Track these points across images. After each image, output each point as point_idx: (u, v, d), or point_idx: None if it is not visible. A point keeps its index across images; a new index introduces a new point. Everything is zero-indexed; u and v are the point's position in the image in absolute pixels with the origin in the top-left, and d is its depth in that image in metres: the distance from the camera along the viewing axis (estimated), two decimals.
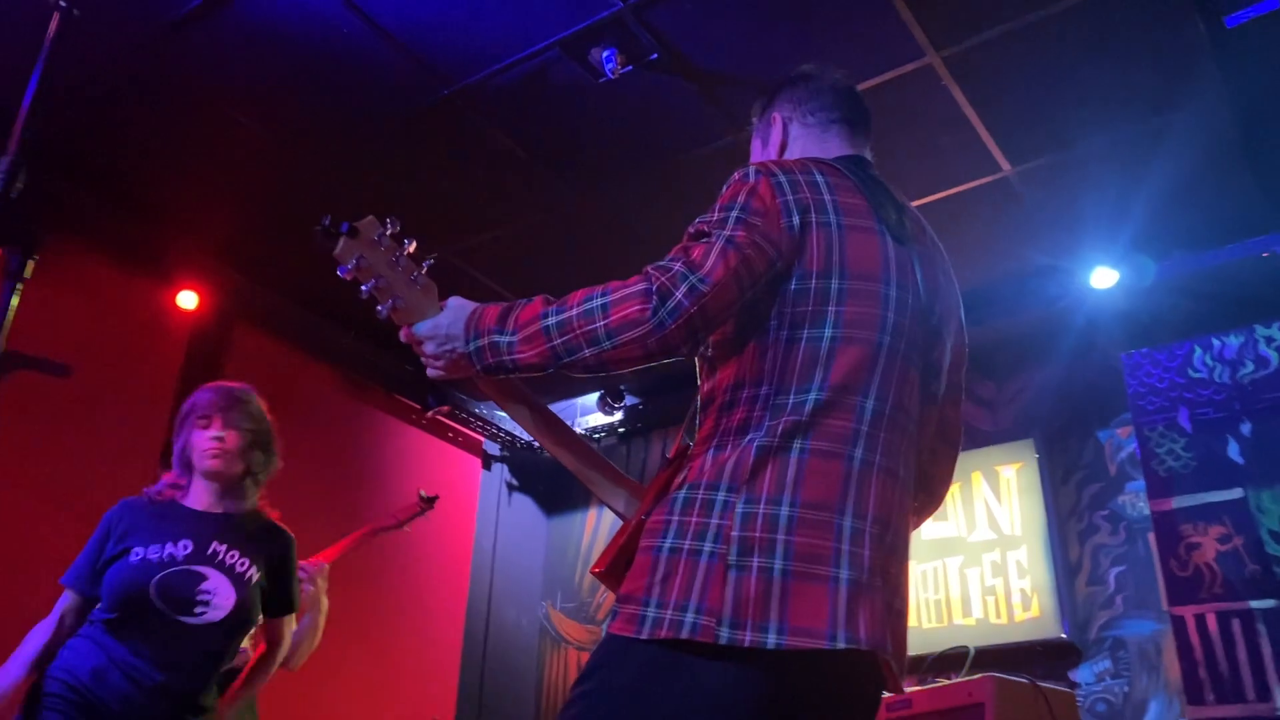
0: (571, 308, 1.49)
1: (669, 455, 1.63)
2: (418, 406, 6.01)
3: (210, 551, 2.57)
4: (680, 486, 1.50)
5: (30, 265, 1.49)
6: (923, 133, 4.13)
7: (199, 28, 3.72)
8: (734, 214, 1.54)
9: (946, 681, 3.01)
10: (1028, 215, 4.59)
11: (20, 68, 2.59)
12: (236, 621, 2.55)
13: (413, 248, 1.67)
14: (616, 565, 1.53)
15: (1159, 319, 4.88)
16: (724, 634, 1.35)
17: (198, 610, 2.49)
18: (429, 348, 1.61)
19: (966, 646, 3.59)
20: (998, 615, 4.96)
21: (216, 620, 2.51)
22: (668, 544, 1.44)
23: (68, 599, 2.60)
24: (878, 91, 3.90)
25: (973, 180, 4.39)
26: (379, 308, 1.65)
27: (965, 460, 5.22)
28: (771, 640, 1.35)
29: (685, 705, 1.37)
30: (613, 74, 3.76)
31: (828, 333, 1.52)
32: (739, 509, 1.42)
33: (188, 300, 4.83)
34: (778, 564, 1.38)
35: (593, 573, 1.59)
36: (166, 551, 2.53)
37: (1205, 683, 4.14)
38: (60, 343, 4.15)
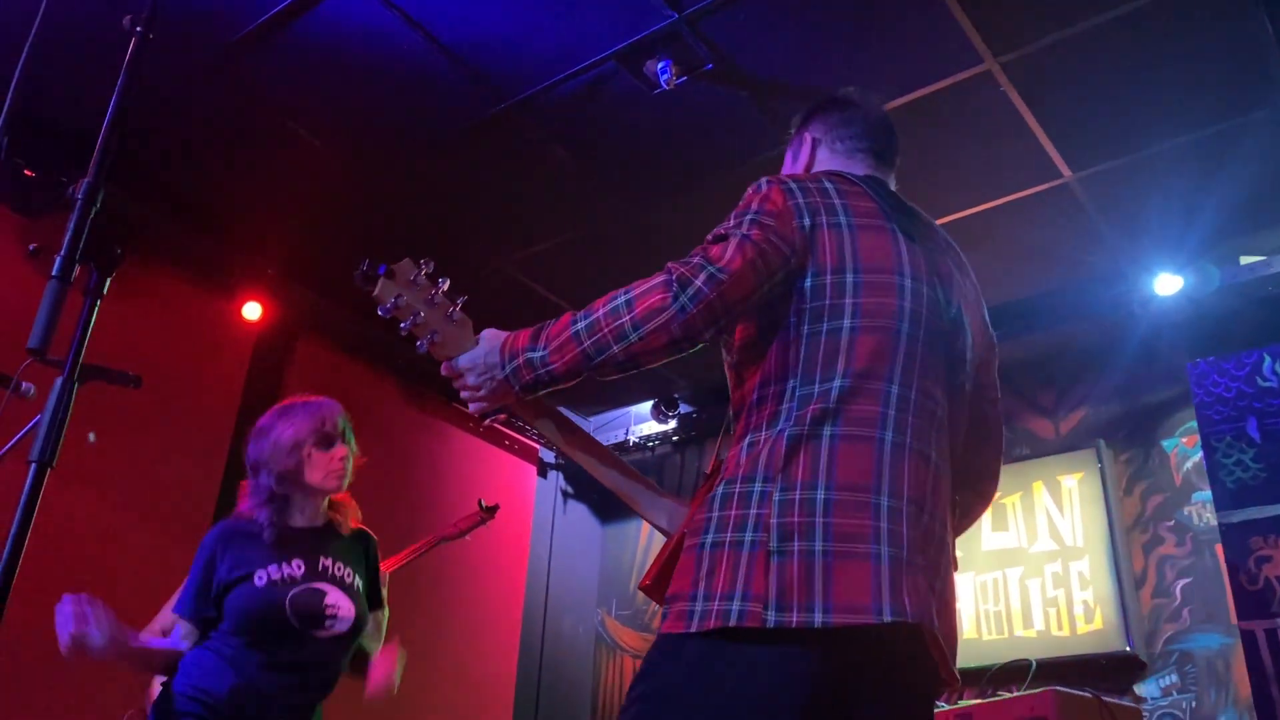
0: (597, 310, 1.55)
1: (706, 471, 1.65)
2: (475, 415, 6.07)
3: (321, 568, 2.62)
4: (718, 484, 1.53)
5: (108, 282, 1.53)
6: (982, 140, 4.09)
7: (261, 47, 3.80)
8: (749, 217, 1.60)
9: (1008, 695, 2.96)
10: (1090, 222, 4.52)
11: (87, 86, 2.69)
12: (357, 630, 2.62)
13: (447, 286, 1.74)
14: (663, 579, 1.55)
15: (1226, 327, 4.78)
16: (771, 617, 1.37)
17: (327, 624, 2.55)
18: (470, 379, 1.66)
19: (1028, 659, 3.54)
20: (1059, 627, 4.88)
21: (343, 632, 2.58)
22: (710, 539, 1.47)
23: (182, 628, 2.60)
24: (935, 99, 3.87)
25: (1033, 187, 4.34)
26: (418, 343, 1.71)
27: (1026, 470, 5.22)
28: (819, 619, 1.37)
29: (741, 693, 1.39)
30: (668, 85, 3.78)
31: (847, 323, 1.56)
32: (776, 497, 1.45)
33: (252, 311, 4.93)
34: (818, 546, 1.41)
35: (640, 588, 1.61)
36: (285, 572, 2.56)
37: (1277, 700, 4.03)
38: (131, 354, 4.27)
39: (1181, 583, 4.76)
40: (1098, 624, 4.77)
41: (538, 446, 6.57)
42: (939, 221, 4.58)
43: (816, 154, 1.91)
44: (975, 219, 4.53)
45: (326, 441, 2.65)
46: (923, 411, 1.56)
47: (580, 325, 1.55)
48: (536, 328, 1.60)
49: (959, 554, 5.20)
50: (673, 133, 4.12)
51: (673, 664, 1.43)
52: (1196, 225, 4.45)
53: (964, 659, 5.20)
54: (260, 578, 2.54)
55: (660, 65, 3.78)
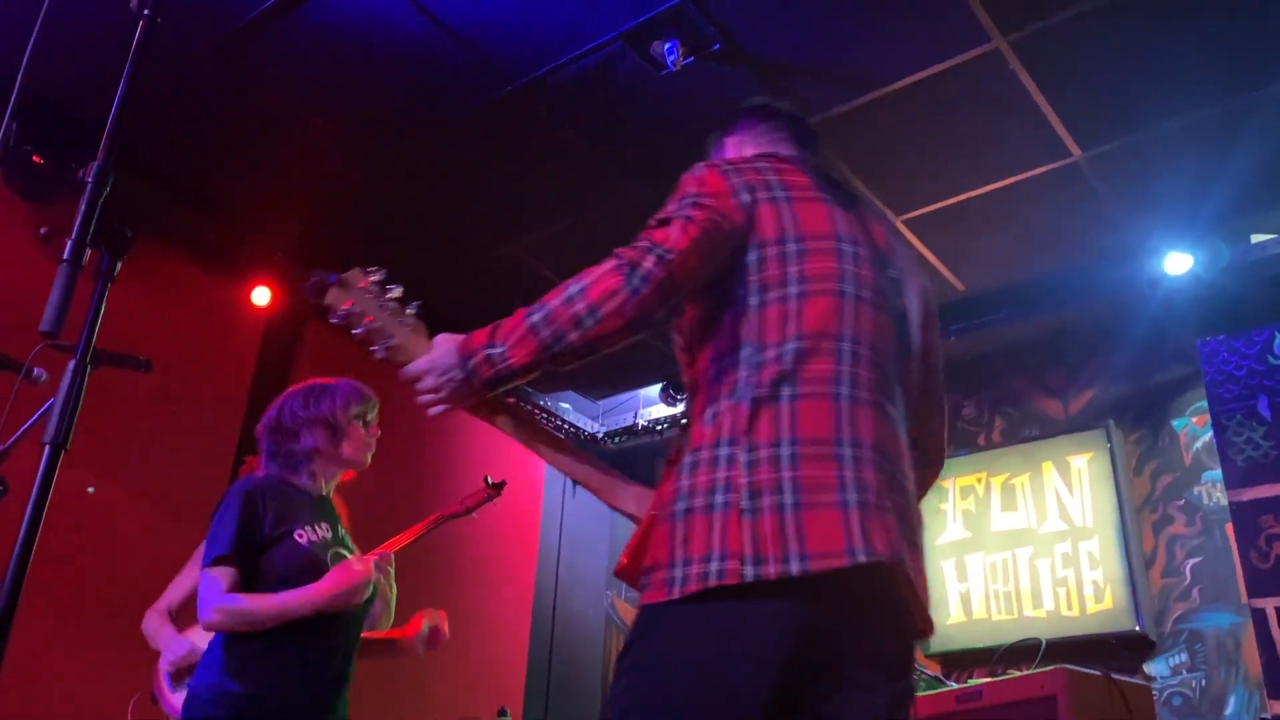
0: (551, 301, 1.58)
1: (669, 457, 1.66)
2: None
3: (339, 534, 2.68)
4: (684, 455, 1.56)
5: (118, 266, 1.53)
6: (990, 119, 4.07)
7: (268, 31, 3.80)
8: (689, 200, 1.64)
9: (1018, 674, 2.97)
10: (1099, 200, 4.50)
11: (95, 72, 2.69)
12: (372, 597, 2.65)
13: (399, 292, 1.76)
14: (638, 558, 1.57)
15: (1236, 305, 4.76)
16: (749, 572, 1.41)
17: None
18: (428, 381, 1.67)
19: (1038, 639, 3.55)
20: (1069, 607, 4.89)
21: (368, 598, 2.62)
22: (681, 507, 1.50)
23: (226, 580, 2.47)
24: (944, 77, 3.86)
25: (1042, 166, 4.32)
26: (374, 349, 1.74)
27: (1035, 450, 5.22)
28: (795, 567, 1.41)
29: (727, 650, 1.42)
30: (674, 66, 3.76)
31: (793, 290, 1.61)
32: (743, 458, 1.49)
33: (261, 296, 4.94)
34: (788, 499, 1.45)
35: (616, 573, 1.62)
36: (320, 534, 2.60)
37: None
38: (142, 339, 4.27)
39: (1191, 562, 4.76)
40: (1107, 604, 4.78)
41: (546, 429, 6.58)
42: (949, 201, 4.60)
43: (743, 150, 1.97)
44: (984, 199, 4.51)
45: (365, 418, 2.75)
46: (876, 367, 1.62)
47: (536, 317, 1.57)
48: (491, 326, 1.62)
49: (968, 534, 5.19)
50: (680, 114, 4.11)
51: (659, 631, 1.47)
52: (1207, 204, 4.42)
53: (974, 639, 5.22)
54: (301, 536, 2.55)
55: (667, 46, 3.76)
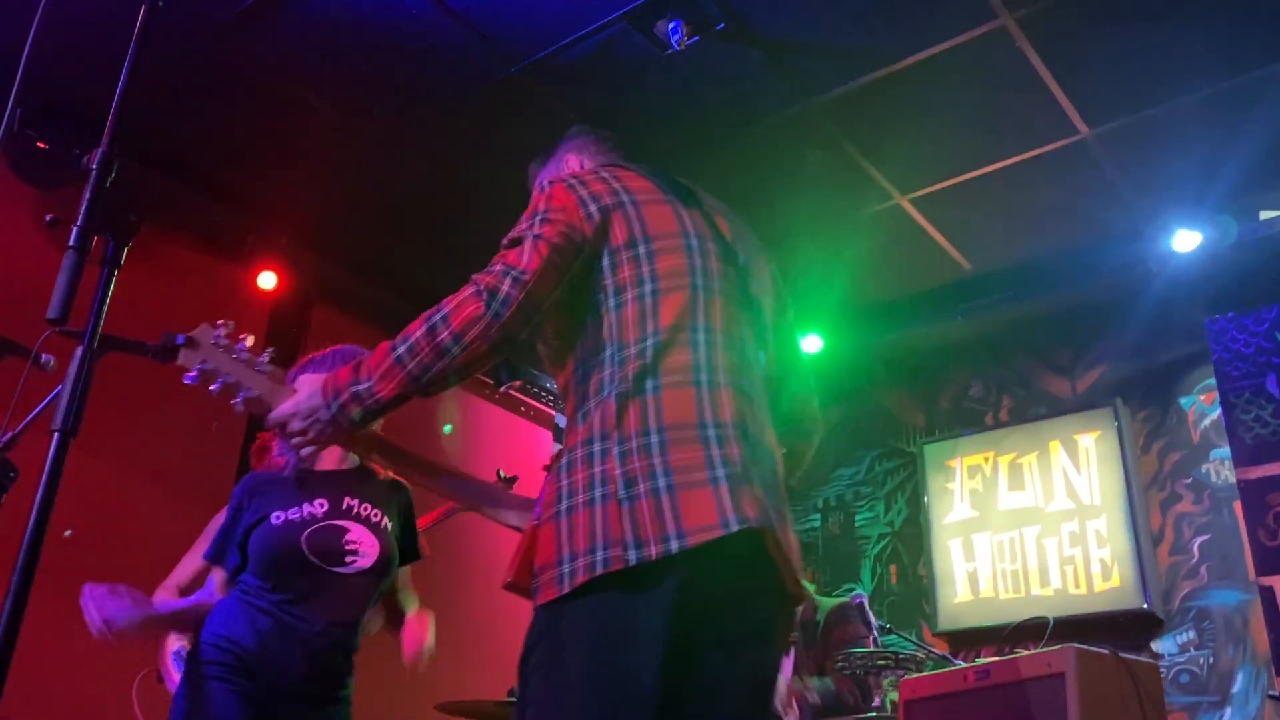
0: (414, 332, 1.63)
1: (547, 465, 1.74)
2: (490, 382, 6.09)
3: (345, 506, 2.68)
4: (561, 456, 1.64)
5: (125, 252, 1.54)
6: (997, 96, 4.05)
7: (272, 14, 3.78)
8: (538, 217, 1.71)
9: (1025, 652, 2.98)
10: (1107, 178, 4.48)
11: (98, 57, 2.69)
12: (382, 567, 2.66)
13: (250, 341, 1.80)
14: (525, 566, 1.62)
15: (1245, 283, 4.74)
16: (632, 556, 1.49)
17: (348, 560, 2.60)
18: (295, 425, 1.69)
19: (1046, 617, 3.55)
20: (1077, 585, 4.90)
21: (366, 567, 2.62)
22: (564, 506, 1.57)
23: (218, 577, 2.71)
24: (950, 55, 3.83)
25: (1049, 143, 4.29)
26: (234, 402, 1.76)
27: (1043, 429, 5.21)
28: (675, 545, 1.49)
29: (621, 632, 1.49)
30: (679, 45, 3.74)
31: (648, 288, 1.69)
32: (615, 451, 1.56)
33: (267, 281, 4.94)
34: (661, 483, 1.53)
35: (504, 586, 1.66)
36: (306, 511, 2.62)
37: None
38: (148, 324, 4.27)
39: (1199, 540, 4.76)
40: (1115, 582, 4.78)
41: (554, 412, 6.59)
42: (955, 180, 4.56)
43: (584, 162, 2.07)
44: (991, 177, 4.49)
45: None
46: (731, 350, 1.71)
47: (401, 350, 1.62)
48: (355, 363, 1.67)
49: (975, 513, 5.18)
50: (685, 94, 4.09)
51: (555, 627, 1.53)
52: (1216, 181, 4.40)
53: (981, 618, 5.22)
54: (277, 517, 2.60)
55: (671, 25, 3.74)
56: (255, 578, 2.60)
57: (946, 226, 4.88)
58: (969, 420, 5.61)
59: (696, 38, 3.76)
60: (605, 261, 1.71)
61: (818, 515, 5.90)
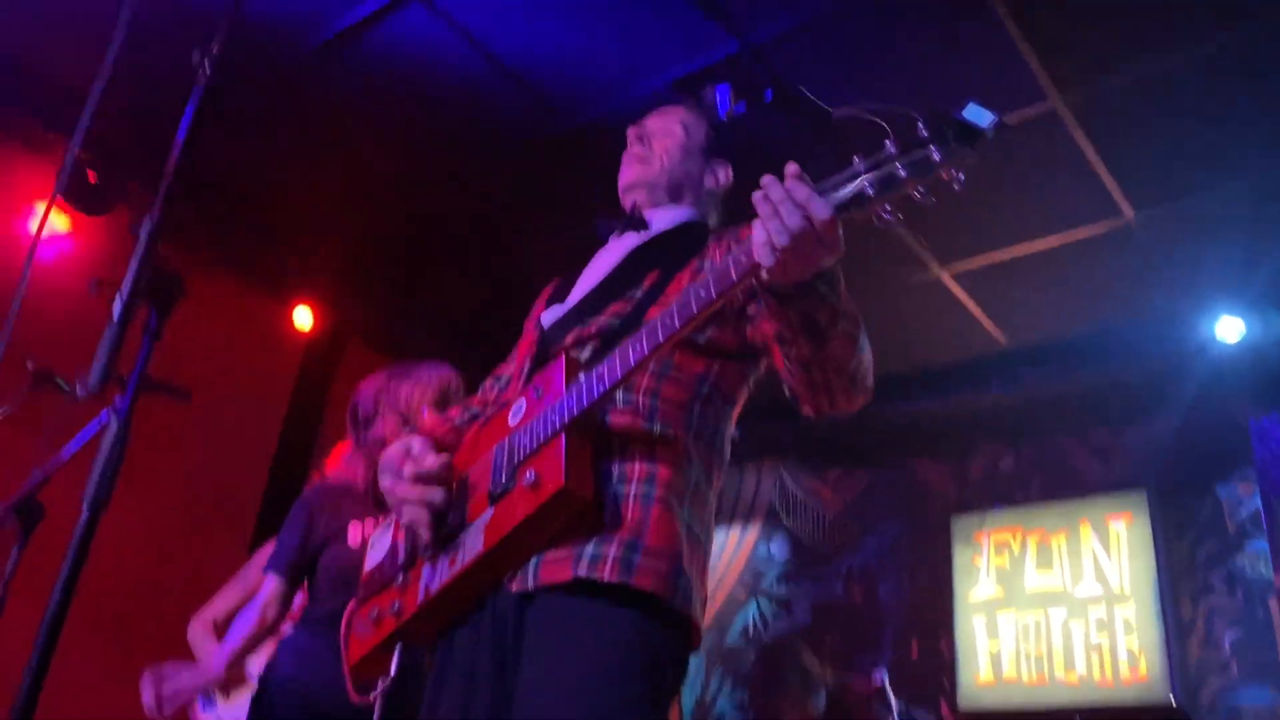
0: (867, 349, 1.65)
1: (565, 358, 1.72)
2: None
3: None
4: (667, 446, 1.66)
5: (165, 324, 1.54)
6: (1043, 176, 4.02)
7: (327, 61, 3.82)
8: None
9: None
10: (1150, 261, 4.43)
11: (156, 90, 2.72)
12: None
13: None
14: (585, 481, 1.58)
15: None
16: (698, 613, 1.59)
17: None
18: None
19: (1073, 710, 3.47)
20: (1102, 675, 4.78)
21: None
22: (685, 514, 1.61)
23: (271, 588, 2.49)
24: (998, 132, 3.80)
25: (1094, 225, 4.25)
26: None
27: (1073, 508, 5.12)
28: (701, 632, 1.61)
29: (671, 691, 1.53)
30: (725, 114, 3.74)
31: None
32: (709, 510, 1.69)
33: (303, 318, 4.97)
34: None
35: (558, 492, 1.53)
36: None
37: None
38: (182, 358, 4.29)
39: (1231, 635, 4.65)
40: (1142, 673, 4.67)
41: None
42: (998, 256, 4.52)
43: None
44: (1033, 255, 4.46)
45: (444, 404, 2.58)
46: None
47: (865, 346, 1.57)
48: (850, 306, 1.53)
49: (1001, 591, 5.05)
50: (730, 159, 4.09)
51: (649, 642, 1.49)
52: (1261, 270, 4.34)
53: (1004, 700, 5.09)
54: (354, 535, 2.49)
55: (719, 92, 3.74)
56: (329, 600, 2.45)
57: (986, 301, 4.84)
58: (999, 494, 5.52)
59: (744, 107, 3.76)
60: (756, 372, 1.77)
61: (840, 582, 5.82)
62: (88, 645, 3.96)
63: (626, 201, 2.01)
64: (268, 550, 3.50)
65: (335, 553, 2.49)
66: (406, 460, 1.67)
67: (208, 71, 1.61)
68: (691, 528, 1.56)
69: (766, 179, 1.44)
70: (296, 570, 2.51)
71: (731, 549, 6.23)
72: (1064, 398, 5.32)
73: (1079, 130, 3.79)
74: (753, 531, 6.25)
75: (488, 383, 1.99)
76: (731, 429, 1.74)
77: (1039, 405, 5.39)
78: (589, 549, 1.47)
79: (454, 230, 4.72)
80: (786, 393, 1.61)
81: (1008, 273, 4.57)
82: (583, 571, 1.44)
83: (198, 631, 3.38)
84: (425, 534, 1.62)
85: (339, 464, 2.95)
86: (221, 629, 3.44)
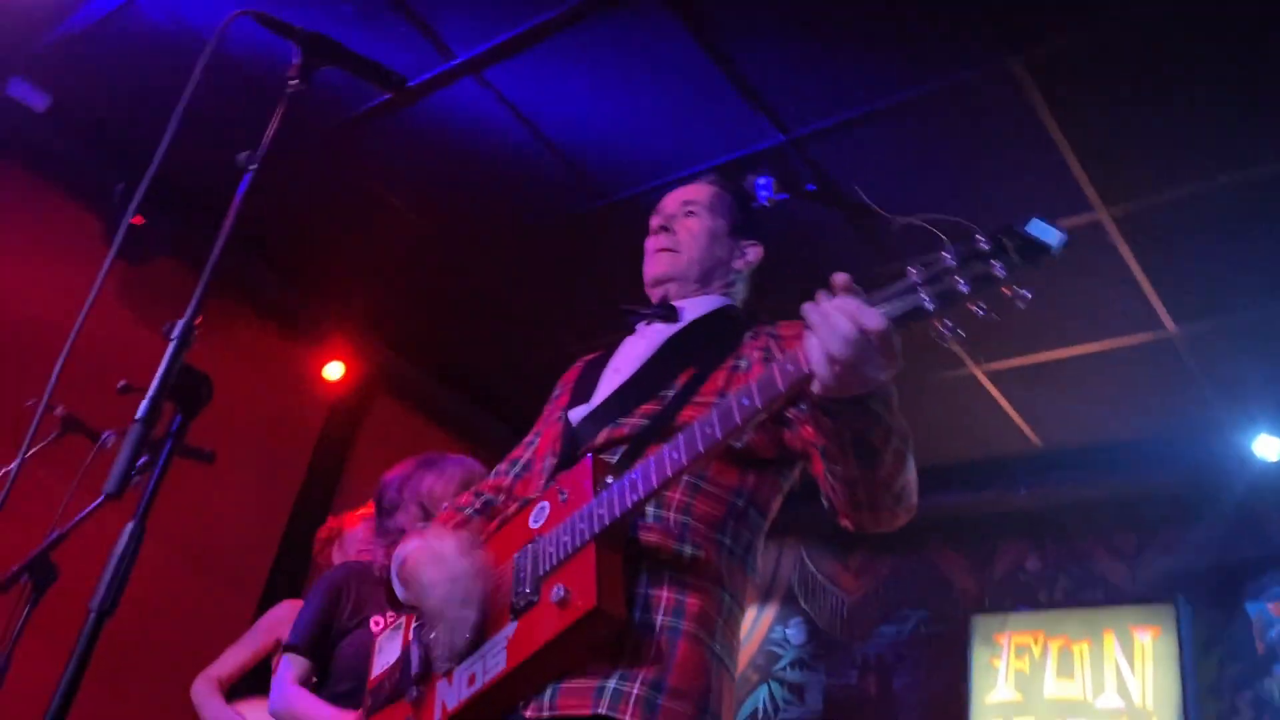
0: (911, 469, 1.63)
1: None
2: None
3: None
4: (706, 569, 1.64)
5: (188, 425, 1.53)
6: (1086, 284, 3.97)
7: (374, 125, 3.88)
8: None
9: None
10: (1189, 375, 4.36)
11: (204, 146, 2.75)
12: None
13: None
14: (617, 599, 1.51)
15: None
16: None
17: None
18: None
19: None
20: None
21: None
22: (717, 649, 1.56)
23: (297, 668, 2.47)
24: None
25: (1134, 335, 4.20)
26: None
27: (1098, 616, 5.00)
28: None
29: None
30: (766, 202, 3.74)
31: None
32: (736, 641, 1.65)
33: (334, 371, 4.98)
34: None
35: (590, 612, 1.47)
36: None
37: None
38: (214, 402, 4.31)
39: None
40: None
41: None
42: (1036, 358, 4.47)
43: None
44: (1070, 360, 4.40)
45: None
46: None
47: (910, 467, 1.50)
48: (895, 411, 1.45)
49: (1019, 696, 4.91)
50: (767, 246, 4.08)
51: None
52: None
53: None
54: (378, 624, 2.46)
55: (761, 181, 3.74)
56: (343, 685, 2.43)
57: (1020, 400, 4.78)
58: (1022, 595, 5.41)
59: (785, 195, 3.76)
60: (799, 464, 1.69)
61: (855, 671, 5.70)
62: (93, 699, 3.93)
63: (655, 294, 1.95)
64: (278, 612, 3.47)
65: (356, 639, 2.48)
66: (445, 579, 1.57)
67: (251, 170, 1.61)
68: (721, 658, 1.51)
69: (820, 294, 1.40)
70: (320, 651, 2.50)
71: (747, 628, 6.13)
72: (1093, 503, 5.23)
73: (1123, 243, 3.75)
74: (770, 612, 6.15)
75: (502, 467, 1.91)
76: (762, 543, 1.68)
77: (1068, 508, 5.29)
78: (611, 684, 1.40)
79: (486, 295, 4.73)
80: (824, 503, 1.53)
81: (1044, 374, 4.52)
82: (604, 709, 1.38)
83: (202, 689, 3.34)
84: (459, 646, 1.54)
85: (362, 541, 2.93)
86: (226, 687, 3.41)
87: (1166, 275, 3.88)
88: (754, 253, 2.05)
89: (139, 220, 4.34)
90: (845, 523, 1.52)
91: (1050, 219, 3.79)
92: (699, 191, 2.06)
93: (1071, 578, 5.36)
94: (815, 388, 1.34)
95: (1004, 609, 5.36)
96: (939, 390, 4.73)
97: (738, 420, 1.38)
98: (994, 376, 4.61)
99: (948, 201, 3.76)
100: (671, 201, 2.04)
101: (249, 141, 1.75)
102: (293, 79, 1.70)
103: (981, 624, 5.35)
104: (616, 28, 3.35)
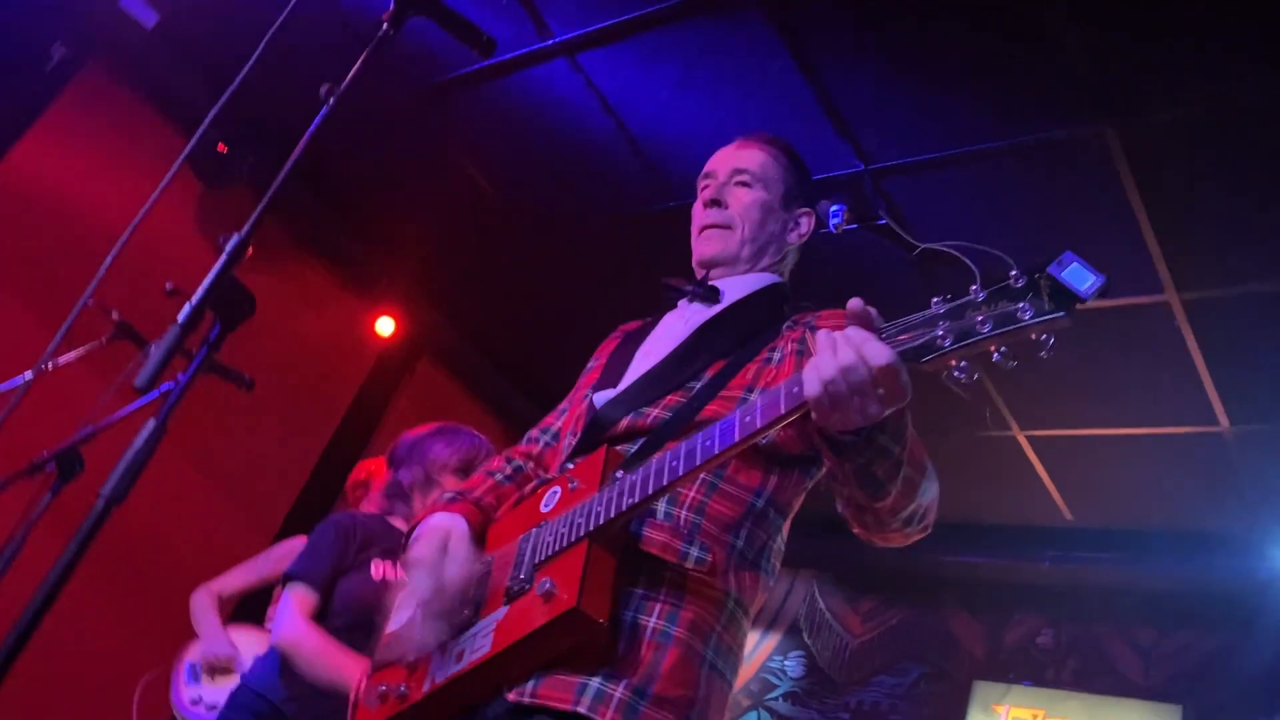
0: (932, 488, 1.59)
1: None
2: None
3: None
4: (714, 568, 1.61)
5: (225, 338, 1.55)
6: (1143, 365, 3.91)
7: (463, 92, 3.92)
8: None
9: None
10: (1236, 477, 4.26)
11: (288, 85, 2.80)
12: None
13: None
14: (602, 602, 1.47)
15: None
16: None
17: None
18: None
19: None
20: None
21: None
22: (710, 652, 1.53)
23: (306, 602, 2.51)
24: (1107, 314, 3.72)
25: (1185, 426, 4.12)
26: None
27: (1104, 706, 4.90)
28: None
29: None
30: (835, 229, 3.72)
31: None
32: (739, 640, 1.62)
33: (385, 326, 5.04)
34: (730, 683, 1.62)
35: (569, 611, 1.43)
36: (399, 573, 2.56)
37: None
38: (265, 336, 4.37)
39: None
40: None
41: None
42: (1081, 430, 4.41)
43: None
44: (1116, 439, 4.33)
45: (466, 472, 2.63)
46: None
47: (931, 485, 1.46)
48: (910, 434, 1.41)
49: None
50: (826, 271, 4.06)
51: None
52: None
53: None
54: (378, 569, 2.52)
55: (834, 208, 3.73)
56: (336, 623, 2.47)
57: (1057, 471, 4.70)
58: (1029, 669, 5.31)
59: (854, 225, 3.75)
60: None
61: (847, 715, 5.64)
62: (94, 584, 4.02)
63: (700, 272, 1.89)
64: (288, 545, 3.53)
65: (356, 580, 2.53)
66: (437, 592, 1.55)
67: (332, 104, 1.64)
68: (715, 665, 1.47)
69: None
70: (325, 587, 2.55)
71: (746, 651, 6.09)
72: (1116, 588, 5.12)
73: (1189, 331, 3.68)
74: (772, 640, 6.11)
75: (534, 433, 1.89)
76: (782, 541, 1.62)
77: (1090, 589, 5.19)
78: (595, 683, 1.38)
79: (543, 278, 4.76)
80: (838, 506, 1.49)
81: (1087, 448, 4.44)
82: (583, 708, 1.35)
83: (202, 601, 3.41)
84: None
85: (376, 488, 2.98)
86: (226, 605, 3.48)
87: (1228, 370, 3.79)
88: (807, 223, 1.92)
89: (223, 148, 4.45)
90: (857, 531, 1.49)
91: (1121, 290, 3.72)
92: (751, 158, 1.92)
93: (1082, 660, 5.25)
94: (813, 416, 1.28)
95: (1008, 679, 5.27)
96: (978, 448, 4.67)
97: (735, 437, 1.35)
98: (1035, 443, 4.54)
99: (1016, 257, 3.71)
100: (722, 166, 1.93)
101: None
102: (385, 23, 1.73)
103: (983, 690, 5.26)
104: (716, 32, 3.35)
